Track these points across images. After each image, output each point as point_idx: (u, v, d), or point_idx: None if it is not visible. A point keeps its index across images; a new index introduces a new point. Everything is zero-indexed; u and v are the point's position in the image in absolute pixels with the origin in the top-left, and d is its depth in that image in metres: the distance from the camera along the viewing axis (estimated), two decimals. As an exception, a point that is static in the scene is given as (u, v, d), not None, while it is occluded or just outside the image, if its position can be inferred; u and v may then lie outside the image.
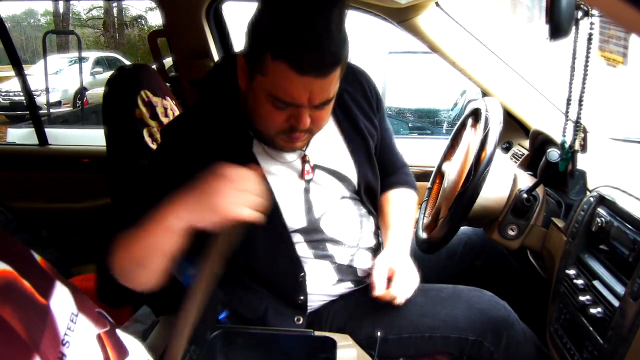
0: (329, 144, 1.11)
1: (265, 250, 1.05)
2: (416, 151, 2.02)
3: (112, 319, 0.70)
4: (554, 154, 1.19)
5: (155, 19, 17.47)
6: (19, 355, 0.50)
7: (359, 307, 1.08)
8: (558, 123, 1.23)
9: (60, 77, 10.10)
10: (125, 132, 1.44)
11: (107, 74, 1.57)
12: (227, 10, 2.07)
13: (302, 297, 1.07)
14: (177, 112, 1.67)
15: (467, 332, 1.05)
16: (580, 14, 0.99)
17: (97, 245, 0.88)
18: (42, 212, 2.23)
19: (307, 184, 1.08)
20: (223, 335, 1.01)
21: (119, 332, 0.69)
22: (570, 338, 0.98)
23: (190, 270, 1.06)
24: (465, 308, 1.07)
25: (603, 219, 0.97)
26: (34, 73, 8.07)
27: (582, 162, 1.15)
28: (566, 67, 1.09)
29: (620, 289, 0.87)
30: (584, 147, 1.11)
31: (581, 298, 0.94)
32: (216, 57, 2.01)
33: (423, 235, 1.35)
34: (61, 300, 0.60)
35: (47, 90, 5.50)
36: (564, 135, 1.14)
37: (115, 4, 17.48)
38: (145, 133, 1.45)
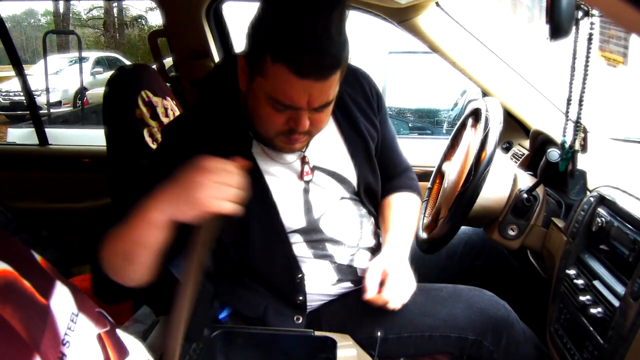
0: (328, 146, 1.11)
1: (262, 250, 1.05)
2: (416, 151, 2.02)
3: (112, 318, 0.70)
4: (554, 154, 1.18)
5: (156, 19, 17.48)
6: (19, 355, 0.50)
7: (359, 306, 1.08)
8: (558, 123, 1.23)
9: (61, 77, 10.11)
10: (125, 132, 1.44)
11: (108, 74, 1.58)
12: (227, 10, 2.07)
13: (301, 297, 1.07)
14: (177, 112, 1.67)
15: (467, 331, 1.05)
16: (580, 14, 0.99)
17: (91, 242, 0.88)
18: (42, 212, 2.23)
19: (306, 184, 1.08)
20: (223, 335, 1.01)
21: (119, 332, 0.69)
22: (571, 338, 0.98)
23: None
24: (465, 307, 1.07)
25: (603, 219, 0.97)
26: (34, 73, 8.07)
27: (582, 162, 1.15)
28: (566, 67, 1.09)
29: (620, 289, 0.87)
30: (584, 147, 1.11)
31: (581, 298, 0.94)
32: (216, 57, 2.01)
33: (423, 235, 1.35)
34: (61, 300, 0.60)
35: (47, 90, 5.50)
36: (564, 135, 1.14)
37: (115, 4, 17.49)
38: (145, 133, 1.45)
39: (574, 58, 1.07)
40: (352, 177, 1.13)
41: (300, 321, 1.08)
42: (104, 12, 18.24)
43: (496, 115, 1.21)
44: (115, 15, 18.54)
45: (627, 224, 0.91)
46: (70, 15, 17.92)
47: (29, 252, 0.62)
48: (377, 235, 1.20)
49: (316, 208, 1.08)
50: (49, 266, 0.63)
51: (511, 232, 1.24)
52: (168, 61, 2.34)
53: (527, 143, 1.65)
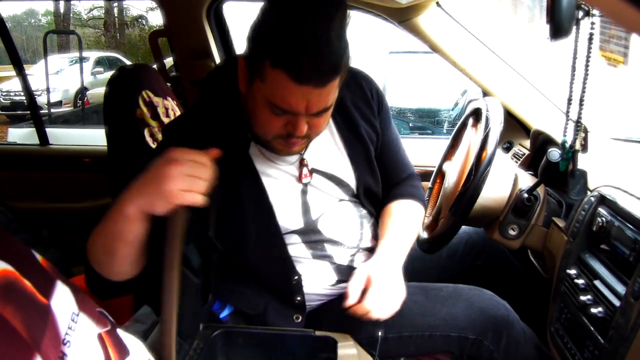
0: (328, 149, 1.10)
1: (258, 251, 1.05)
2: (417, 151, 2.02)
3: (113, 318, 0.70)
4: (554, 153, 1.19)
5: (156, 18, 17.49)
6: (20, 354, 0.50)
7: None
8: (559, 123, 1.23)
9: (61, 77, 10.11)
10: (126, 132, 1.45)
11: (108, 74, 1.58)
12: (227, 10, 2.07)
13: (299, 298, 1.07)
14: (178, 112, 1.67)
15: (467, 330, 1.05)
16: (581, 13, 0.99)
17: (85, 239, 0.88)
18: (43, 212, 2.23)
19: (304, 186, 1.08)
20: (224, 334, 1.01)
21: (119, 331, 0.69)
22: (571, 338, 0.98)
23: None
24: (466, 307, 1.07)
25: (604, 219, 0.97)
26: (35, 73, 8.07)
27: (583, 161, 1.15)
28: (567, 66, 1.09)
29: (621, 288, 0.87)
30: (584, 147, 1.11)
31: (582, 298, 0.94)
32: (217, 57, 2.01)
33: (424, 234, 1.35)
34: (62, 300, 0.60)
35: (47, 90, 5.49)
36: (564, 135, 1.14)
37: (116, 4, 17.50)
38: (146, 133, 1.45)
39: (575, 58, 1.07)
40: (350, 180, 1.12)
41: (299, 320, 1.08)
42: (105, 12, 18.24)
43: (497, 115, 1.21)
44: (116, 15, 18.55)
45: (627, 224, 0.91)
46: (71, 15, 17.94)
47: (30, 251, 0.62)
48: (378, 235, 1.19)
49: (314, 209, 1.08)
50: (50, 266, 0.63)
51: (512, 232, 1.24)
52: (169, 61, 2.34)
53: (527, 143, 1.65)
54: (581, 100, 1.07)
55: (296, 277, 1.06)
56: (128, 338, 0.71)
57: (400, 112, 4.46)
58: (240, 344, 1.01)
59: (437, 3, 1.63)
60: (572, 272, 1.01)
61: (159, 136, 1.46)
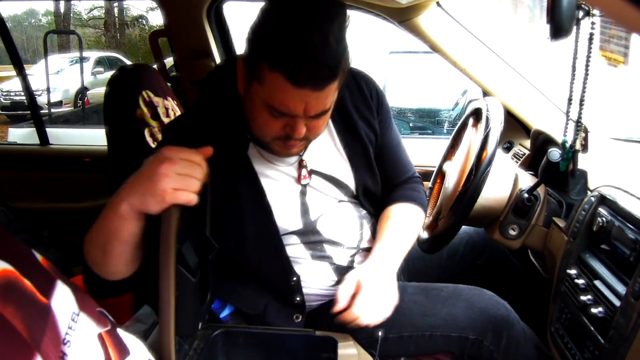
0: (326, 150, 1.10)
1: (256, 251, 1.05)
2: (417, 151, 2.02)
3: (113, 318, 0.70)
4: (555, 153, 1.19)
5: (157, 18, 17.51)
6: (20, 354, 0.50)
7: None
8: (559, 123, 1.23)
9: (62, 77, 10.11)
10: (126, 132, 1.45)
11: (108, 74, 1.58)
12: (228, 10, 2.07)
13: (298, 298, 1.07)
14: (178, 112, 1.67)
15: (468, 331, 1.05)
16: (581, 13, 0.99)
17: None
18: (43, 212, 2.23)
19: (303, 187, 1.08)
20: (224, 334, 1.01)
21: (120, 331, 0.69)
22: (572, 338, 0.98)
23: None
24: (466, 307, 1.07)
25: (604, 219, 0.97)
26: (35, 73, 8.06)
27: (583, 161, 1.15)
28: (567, 66, 1.09)
29: (621, 288, 0.87)
30: (585, 147, 1.11)
31: (582, 298, 0.94)
32: (217, 57, 2.01)
33: (424, 234, 1.35)
34: (62, 300, 0.60)
35: (48, 90, 5.49)
36: (565, 135, 1.14)
37: (116, 4, 17.51)
38: (146, 133, 1.45)
39: (575, 58, 1.07)
40: (350, 182, 1.12)
41: (299, 320, 1.08)
42: (105, 12, 18.25)
43: (497, 115, 1.21)
44: (116, 15, 18.56)
45: (628, 224, 0.91)
46: (71, 15, 17.95)
47: (30, 251, 0.62)
48: None
49: (313, 210, 1.08)
50: (50, 266, 0.63)
51: (512, 232, 1.24)
52: (169, 61, 2.34)
53: (528, 143, 1.65)
54: (581, 100, 1.07)
55: (295, 278, 1.06)
56: (128, 338, 0.71)
57: (400, 112, 4.46)
58: (241, 344, 1.01)
59: (438, 3, 1.63)
60: (573, 272, 1.01)
61: (159, 136, 1.46)
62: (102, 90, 1.59)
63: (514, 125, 1.74)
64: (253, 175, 1.03)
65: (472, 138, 1.34)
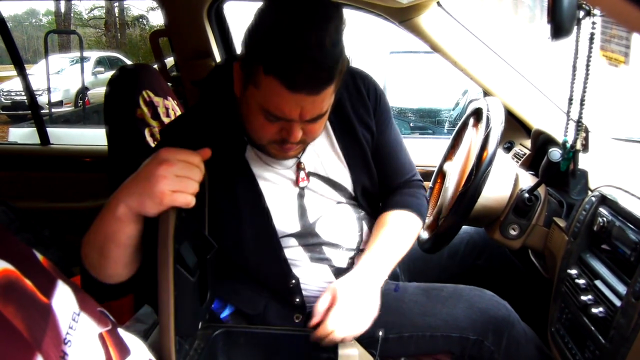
0: (324, 152, 1.09)
1: (255, 254, 1.05)
2: (418, 151, 2.02)
3: (114, 318, 0.70)
4: (555, 153, 1.18)
5: (157, 18, 17.51)
6: (21, 354, 0.50)
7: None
8: (560, 123, 1.22)
9: (62, 76, 10.12)
10: (126, 132, 1.45)
11: (109, 74, 1.58)
12: (228, 10, 2.07)
13: (298, 299, 1.07)
14: (178, 112, 1.67)
15: (468, 331, 1.05)
16: (582, 13, 0.99)
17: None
18: (44, 212, 2.24)
19: (301, 190, 1.07)
20: (225, 334, 1.01)
21: (120, 331, 0.69)
22: (572, 338, 0.98)
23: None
24: (466, 307, 1.07)
25: (605, 219, 0.97)
26: (36, 73, 8.07)
27: (584, 161, 1.14)
28: (568, 66, 1.09)
29: (622, 288, 0.87)
30: (585, 147, 1.11)
31: (583, 298, 0.94)
32: (218, 57, 2.02)
33: (425, 234, 1.35)
34: (63, 300, 0.60)
35: (48, 89, 5.50)
36: (565, 135, 1.14)
37: (116, 4, 17.52)
38: (146, 133, 1.45)
39: (576, 57, 1.07)
40: (347, 183, 1.11)
41: (299, 320, 1.08)
42: (106, 11, 18.27)
43: (497, 115, 1.21)
44: (117, 15, 18.58)
45: (628, 224, 0.90)
46: (72, 15, 17.96)
47: (31, 251, 0.62)
48: None
49: (311, 212, 1.08)
50: (51, 265, 0.63)
51: (512, 232, 1.24)
52: (169, 61, 2.34)
53: (528, 143, 1.65)
54: (582, 100, 1.07)
55: (294, 280, 1.06)
56: (129, 337, 0.71)
57: (401, 112, 4.46)
58: (241, 344, 1.01)
59: (438, 3, 1.63)
60: (573, 272, 1.01)
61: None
62: (102, 90, 1.59)
63: (515, 125, 1.74)
64: (251, 177, 1.03)
65: (472, 138, 1.34)
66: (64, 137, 3.19)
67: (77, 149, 2.42)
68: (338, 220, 1.10)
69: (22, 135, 3.98)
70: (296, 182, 1.06)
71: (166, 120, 1.54)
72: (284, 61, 0.82)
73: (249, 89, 0.90)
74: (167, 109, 1.58)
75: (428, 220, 1.43)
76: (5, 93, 10.31)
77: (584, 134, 1.09)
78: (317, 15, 0.82)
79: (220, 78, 1.07)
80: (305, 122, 0.91)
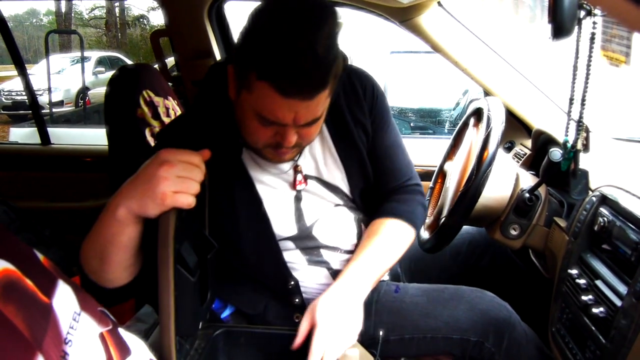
0: (321, 155, 1.08)
1: (254, 256, 1.04)
2: (418, 151, 2.02)
3: (114, 317, 0.70)
4: (556, 153, 1.18)
5: (158, 18, 17.53)
6: (21, 353, 0.50)
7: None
8: (560, 122, 1.22)
9: (63, 76, 10.13)
10: (127, 132, 1.45)
11: (109, 74, 1.58)
12: (229, 9, 2.07)
13: (297, 299, 1.07)
14: (179, 112, 1.67)
15: (469, 333, 1.05)
16: (582, 13, 0.99)
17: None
18: (44, 211, 2.24)
19: (298, 193, 1.07)
20: (225, 334, 1.01)
21: (121, 330, 0.69)
22: (573, 338, 0.98)
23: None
24: (467, 309, 1.07)
25: (605, 219, 0.96)
26: (37, 72, 8.08)
27: (585, 161, 1.14)
28: (569, 66, 1.09)
29: (622, 288, 0.87)
30: (586, 147, 1.10)
31: (583, 298, 0.94)
32: (218, 57, 2.02)
33: (425, 234, 1.35)
34: (64, 299, 0.60)
35: (49, 89, 5.52)
36: (566, 135, 1.14)
37: (117, 4, 17.53)
38: (147, 133, 1.45)
39: (576, 57, 1.07)
40: (344, 186, 1.10)
41: (300, 320, 1.07)
42: (106, 11, 18.29)
43: (498, 114, 1.21)
44: (117, 14, 18.60)
45: (629, 224, 0.90)
46: (72, 14, 17.98)
47: (32, 251, 0.62)
48: None
49: (308, 215, 1.07)
50: (52, 265, 0.63)
51: (513, 232, 1.24)
52: (170, 61, 2.34)
53: (529, 142, 1.65)
54: (583, 100, 1.07)
55: (293, 282, 1.06)
56: (129, 337, 0.71)
57: (401, 112, 4.46)
58: (242, 344, 1.01)
59: (439, 2, 1.63)
60: (574, 272, 1.01)
61: (160, 136, 1.46)
62: (103, 90, 1.60)
63: (515, 125, 1.74)
64: (248, 180, 1.02)
65: (473, 138, 1.34)
66: (65, 137, 3.20)
67: (78, 149, 2.42)
68: (335, 223, 1.09)
69: (22, 135, 3.98)
70: (293, 185, 1.06)
71: (166, 120, 1.54)
72: (277, 67, 0.81)
73: (243, 93, 0.89)
74: (167, 108, 1.59)
75: (429, 220, 1.43)
76: (6, 93, 10.33)
77: (584, 134, 1.09)
78: (310, 20, 0.81)
79: (216, 79, 1.06)
80: (299, 127, 0.90)
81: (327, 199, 1.09)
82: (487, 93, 1.75)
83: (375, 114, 1.10)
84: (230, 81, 0.93)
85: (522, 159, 1.61)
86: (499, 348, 1.05)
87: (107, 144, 1.47)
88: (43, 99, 6.90)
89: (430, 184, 1.55)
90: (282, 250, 1.05)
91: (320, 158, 1.08)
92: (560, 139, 1.16)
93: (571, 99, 1.12)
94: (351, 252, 1.10)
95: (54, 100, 7.07)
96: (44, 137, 2.42)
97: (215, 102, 1.03)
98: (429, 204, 1.51)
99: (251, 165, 1.03)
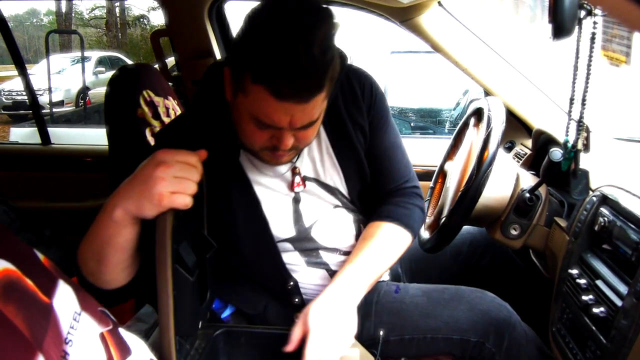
0: (319, 157, 1.08)
1: (253, 257, 1.04)
2: (419, 151, 2.02)
3: (114, 317, 0.70)
4: (556, 153, 1.18)
5: (158, 18, 17.54)
6: (22, 353, 0.50)
7: (360, 308, 1.07)
8: (561, 122, 1.22)
9: (63, 76, 10.13)
10: (127, 132, 1.45)
11: (110, 74, 1.57)
12: (229, 9, 2.07)
13: (297, 299, 1.07)
14: (179, 112, 1.67)
15: (469, 333, 1.05)
16: (583, 13, 0.99)
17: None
18: (45, 211, 2.24)
19: (296, 195, 1.06)
20: (225, 334, 1.01)
21: (121, 330, 0.70)
22: (573, 338, 0.98)
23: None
24: (467, 309, 1.07)
25: (606, 219, 0.96)
26: (37, 72, 8.08)
27: (585, 161, 1.14)
28: (569, 66, 1.09)
29: (623, 288, 0.86)
30: (586, 147, 1.10)
31: (584, 298, 0.93)
32: (218, 57, 2.02)
33: (426, 234, 1.35)
34: (64, 299, 0.60)
35: (49, 89, 5.52)
36: (566, 135, 1.14)
37: (117, 4, 17.53)
38: (147, 132, 1.45)
39: (577, 57, 1.07)
40: (343, 188, 1.09)
41: (300, 319, 1.07)
42: (106, 11, 18.30)
43: (498, 114, 1.21)
44: (118, 14, 18.61)
45: (629, 224, 0.90)
46: (73, 14, 17.98)
47: (32, 251, 0.62)
48: None
49: (306, 217, 1.07)
50: (52, 265, 0.63)
51: (513, 232, 1.24)
52: (170, 60, 2.34)
53: (529, 142, 1.65)
54: (583, 100, 1.07)
55: (292, 283, 1.06)
56: (130, 337, 0.71)
57: (401, 112, 4.46)
58: (242, 344, 1.01)
59: (439, 2, 1.63)
60: (574, 272, 1.01)
61: (161, 136, 1.46)
62: (103, 89, 1.59)
63: (516, 125, 1.74)
64: (246, 182, 1.02)
65: (473, 138, 1.34)
66: (65, 136, 3.20)
67: (78, 149, 2.42)
68: (334, 225, 1.09)
69: (23, 134, 3.98)
70: (291, 187, 1.05)
71: (167, 120, 1.54)
72: (272, 70, 0.80)
73: (239, 96, 0.88)
74: (167, 108, 1.59)
75: (429, 220, 1.43)
76: (6, 93, 10.33)
77: (585, 134, 1.09)
78: (306, 22, 0.80)
79: (214, 80, 1.05)
80: (296, 130, 0.89)
81: (326, 200, 1.09)
82: (487, 93, 1.75)
83: (374, 114, 1.09)
84: (227, 84, 0.92)
85: (523, 159, 1.61)
86: (500, 348, 1.04)
87: (107, 144, 1.47)
88: (43, 99, 6.91)
89: (431, 183, 1.55)
90: (281, 251, 1.05)
91: (318, 160, 1.08)
92: (561, 138, 1.16)
93: (571, 99, 1.12)
94: (350, 253, 1.09)
95: (54, 100, 7.08)
96: (45, 137, 2.42)
97: (213, 103, 1.03)
98: (429, 203, 1.51)
99: (249, 167, 1.03)
